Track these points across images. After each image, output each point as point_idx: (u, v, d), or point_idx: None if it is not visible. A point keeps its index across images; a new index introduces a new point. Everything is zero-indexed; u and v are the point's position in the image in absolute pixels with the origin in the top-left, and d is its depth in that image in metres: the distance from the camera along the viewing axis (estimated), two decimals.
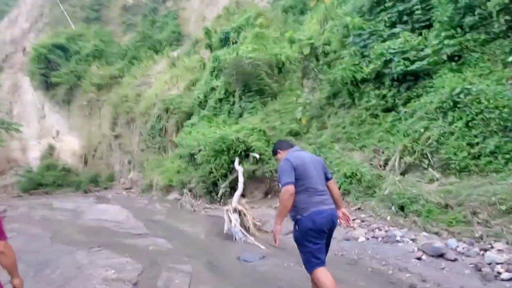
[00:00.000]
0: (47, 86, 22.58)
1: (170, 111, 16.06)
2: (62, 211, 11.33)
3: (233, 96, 12.42)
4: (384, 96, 7.12)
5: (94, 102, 21.53)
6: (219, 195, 8.45)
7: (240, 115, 11.64)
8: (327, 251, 2.68)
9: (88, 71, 22.09)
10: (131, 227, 7.05)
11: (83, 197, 16.40)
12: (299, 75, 10.40)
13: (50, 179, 20.44)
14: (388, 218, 4.96)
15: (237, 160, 8.25)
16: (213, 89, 13.76)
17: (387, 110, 7.12)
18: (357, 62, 7.66)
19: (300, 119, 8.93)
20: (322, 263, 2.52)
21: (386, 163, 6.32)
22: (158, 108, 16.90)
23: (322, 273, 2.45)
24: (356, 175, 6.18)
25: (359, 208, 5.59)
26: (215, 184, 8.79)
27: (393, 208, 5.07)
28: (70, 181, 20.66)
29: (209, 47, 16.80)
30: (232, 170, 8.52)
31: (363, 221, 4.99)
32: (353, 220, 5.06)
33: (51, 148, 22.87)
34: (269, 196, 7.97)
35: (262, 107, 10.94)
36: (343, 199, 6.20)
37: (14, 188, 21.56)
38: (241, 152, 8.31)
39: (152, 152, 16.90)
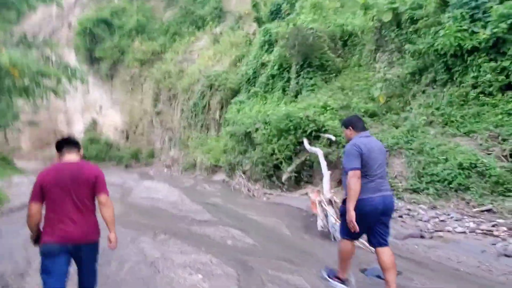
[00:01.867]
0: (92, 60, 22.18)
1: (214, 87, 14.98)
2: (109, 185, 10.68)
3: (288, 72, 11.06)
4: (505, 69, 5.53)
5: (137, 77, 20.88)
6: (283, 180, 7.29)
7: (297, 93, 10.30)
8: (387, 233, 2.72)
9: (131, 46, 21.37)
10: (191, 210, 6.07)
11: (126, 172, 15.95)
12: (372, 48, 8.83)
13: (93, 153, 20.32)
14: None
15: (306, 141, 7.01)
16: (263, 64, 12.46)
17: (508, 87, 5.54)
18: (465, 27, 6.05)
19: (377, 98, 7.47)
20: (354, 237, 2.70)
21: None
22: (201, 85, 15.87)
23: (348, 244, 2.70)
24: (476, 166, 4.76)
25: (489, 210, 4.23)
26: (276, 167, 7.63)
27: None
28: (112, 156, 20.46)
29: (257, 20, 15.33)
30: (298, 152, 7.31)
31: (510, 229, 3.65)
32: (494, 226, 3.73)
33: (94, 123, 22.73)
34: None
35: (324, 85, 9.53)
36: (458, 196, 4.86)
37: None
38: (311, 132, 7.04)
39: (194, 130, 16.04)
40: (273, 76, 11.45)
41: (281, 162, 7.45)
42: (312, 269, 3.25)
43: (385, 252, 2.58)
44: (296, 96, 10.33)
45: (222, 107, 14.89)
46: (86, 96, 23.76)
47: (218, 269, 3.20)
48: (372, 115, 7.31)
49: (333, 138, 6.62)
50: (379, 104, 7.42)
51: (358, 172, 2.54)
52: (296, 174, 7.10)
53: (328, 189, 4.86)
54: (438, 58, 6.70)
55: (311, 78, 9.87)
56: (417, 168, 5.49)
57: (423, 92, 7.07)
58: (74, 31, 23.16)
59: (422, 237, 3.99)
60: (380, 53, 8.64)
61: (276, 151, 7.46)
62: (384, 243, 2.61)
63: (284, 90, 10.86)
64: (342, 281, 2.81)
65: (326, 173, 5.50)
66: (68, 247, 2.17)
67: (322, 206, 4.34)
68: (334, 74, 9.53)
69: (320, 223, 4.26)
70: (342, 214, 2.79)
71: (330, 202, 4.40)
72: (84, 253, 2.26)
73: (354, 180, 2.52)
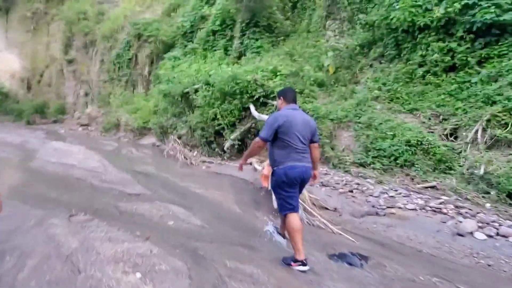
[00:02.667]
0: None
1: (143, 38, 13.03)
2: (4, 145, 8.59)
3: (232, 29, 10.06)
4: (451, 50, 5.63)
5: (41, 15, 17.03)
6: (225, 148, 6.62)
7: (241, 54, 9.47)
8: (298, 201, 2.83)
9: None
10: (116, 180, 5.03)
11: (28, 130, 13.24)
12: (322, 14, 8.39)
13: None
14: (488, 205, 3.77)
15: (252, 107, 6.38)
16: (203, 18, 11.13)
17: (452, 68, 5.69)
18: (420, 3, 5.96)
19: (327, 68, 7.16)
20: (294, 208, 2.71)
21: (452, 133, 5.03)
22: (127, 33, 13.66)
23: (293, 217, 2.67)
24: (422, 143, 4.81)
25: (433, 187, 4.32)
26: (218, 133, 6.89)
27: (492, 193, 3.86)
28: (8, 109, 16.84)
29: None
30: (243, 119, 6.67)
31: (457, 207, 3.74)
32: (441, 204, 3.79)
33: None
34: None
35: (271, 48, 8.88)
36: (403, 172, 4.91)
37: None
38: (258, 98, 6.41)
39: (118, 86, 13.97)
40: (214, 32, 10.30)
41: (223, 128, 6.74)
42: (271, 256, 2.78)
43: (296, 216, 2.72)
44: (239, 58, 9.49)
45: (152, 62, 13.13)
46: None
47: (162, 263, 2.47)
48: (321, 84, 7.01)
49: None
50: (328, 74, 7.13)
51: (262, 143, 2.69)
52: (239, 143, 6.50)
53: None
54: (389, 32, 6.59)
55: (257, 40, 9.09)
56: (365, 142, 5.40)
57: (371, 66, 6.99)
58: None
59: (377, 214, 3.90)
60: (330, 20, 8.26)
61: (218, 115, 6.68)
62: (297, 209, 2.79)
63: (226, 50, 9.88)
64: (303, 263, 2.61)
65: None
66: None
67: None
68: (282, 38, 8.91)
69: (275, 201, 3.79)
70: (274, 188, 2.85)
71: None
72: None
73: (255, 146, 2.72)
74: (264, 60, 7.87)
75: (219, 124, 6.69)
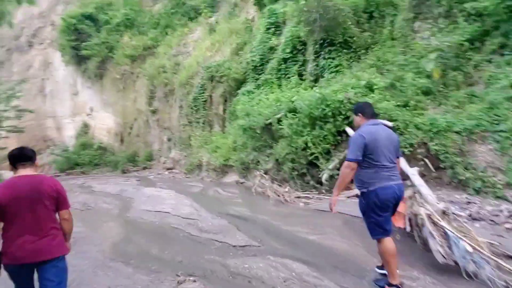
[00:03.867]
0: (79, 60, 20.28)
1: (216, 79, 13.34)
2: (105, 196, 9.05)
3: (303, 54, 9.54)
4: None
5: (128, 75, 19.07)
6: (323, 180, 5.75)
7: (317, 77, 8.79)
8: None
9: (120, 42, 19.58)
10: (214, 228, 4.51)
11: (123, 178, 14.24)
12: (408, 16, 7.31)
13: (86, 159, 18.62)
14: None
15: (349, 129, 5.48)
16: (272, 48, 10.89)
17: None
18: None
19: (431, 72, 5.97)
20: (387, 232, 2.51)
21: None
22: (201, 77, 14.21)
23: (387, 241, 2.47)
24: None
25: None
26: (311, 164, 6.09)
27: None
28: (106, 161, 18.71)
29: (258, 3, 13.70)
30: (338, 144, 5.78)
31: None
32: None
33: (85, 126, 20.90)
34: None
35: (351, 64, 8.01)
36: None
37: (50, 168, 19.91)
38: None
39: (196, 128, 14.39)
40: (285, 60, 9.89)
41: (317, 158, 5.92)
42: None
43: (390, 240, 2.51)
44: (315, 81, 8.82)
45: (225, 100, 13.28)
46: (75, 98, 21.88)
47: None
48: (426, 93, 5.81)
49: (390, 124, 5.11)
50: (434, 79, 5.92)
51: (354, 165, 2.48)
52: (338, 172, 5.57)
53: (432, 194, 3.30)
54: (510, 18, 5.23)
55: (333, 58, 8.33)
56: None
57: (490, 61, 5.60)
58: (57, 29, 21.19)
59: None
60: (419, 21, 7.13)
61: (309, 144, 5.91)
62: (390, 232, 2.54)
63: (300, 75, 9.33)
64: (397, 287, 2.41)
65: (411, 170, 3.94)
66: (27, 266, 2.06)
67: (434, 223, 2.83)
68: (362, 52, 8.00)
69: (439, 249, 2.69)
70: (364, 212, 2.61)
71: (444, 215, 2.89)
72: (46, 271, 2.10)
73: (347, 170, 2.49)
74: (347, 77, 7.03)
75: (312, 153, 5.90)
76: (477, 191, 4.16)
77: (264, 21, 11.69)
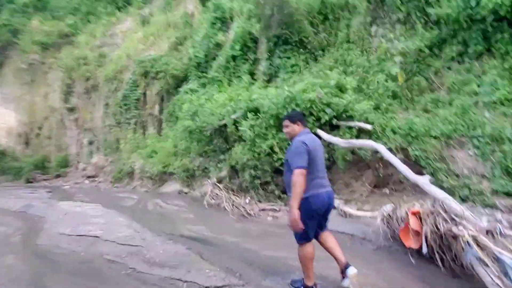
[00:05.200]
0: None
1: (151, 75, 11.70)
2: (4, 214, 6.73)
3: (255, 52, 8.79)
4: None
5: (38, 65, 15.79)
6: None
7: (271, 76, 8.10)
8: (325, 226, 2.74)
9: (28, 26, 16.20)
10: (170, 260, 3.27)
11: (29, 189, 11.37)
12: (365, 20, 7.13)
13: None
14: None
15: (322, 132, 4.82)
16: (218, 45, 9.89)
17: None
18: None
19: (396, 76, 5.74)
20: (310, 239, 2.58)
21: None
22: (132, 73, 12.34)
23: (309, 246, 2.56)
24: None
25: None
26: (277, 171, 5.25)
27: None
28: (6, 167, 15.06)
29: None
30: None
31: None
32: None
33: None
34: (383, 190, 4.69)
35: (308, 65, 7.52)
36: None
37: None
38: (327, 122, 4.86)
39: (126, 129, 12.41)
40: (234, 58, 8.98)
41: (282, 164, 5.11)
42: None
43: (328, 235, 2.66)
44: (268, 81, 8.13)
45: (162, 100, 11.71)
46: None
47: None
48: (394, 96, 5.54)
49: (369, 127, 4.58)
50: (398, 83, 5.69)
51: (304, 171, 2.43)
52: None
53: (465, 209, 2.70)
54: (470, 26, 5.26)
55: (289, 58, 7.75)
56: (502, 162, 3.83)
57: (449, 68, 5.59)
58: None
59: None
60: (376, 26, 6.99)
61: (275, 148, 5.08)
62: (325, 229, 2.69)
63: (252, 74, 8.53)
64: None
65: (422, 179, 3.33)
66: None
67: (478, 245, 2.21)
68: (318, 52, 7.58)
69: (494, 280, 2.06)
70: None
71: (490, 235, 2.32)
72: None
73: (300, 178, 2.41)
74: (306, 77, 6.48)
75: (279, 159, 5.07)
76: (463, 200, 3.89)
77: (209, 16, 10.63)
